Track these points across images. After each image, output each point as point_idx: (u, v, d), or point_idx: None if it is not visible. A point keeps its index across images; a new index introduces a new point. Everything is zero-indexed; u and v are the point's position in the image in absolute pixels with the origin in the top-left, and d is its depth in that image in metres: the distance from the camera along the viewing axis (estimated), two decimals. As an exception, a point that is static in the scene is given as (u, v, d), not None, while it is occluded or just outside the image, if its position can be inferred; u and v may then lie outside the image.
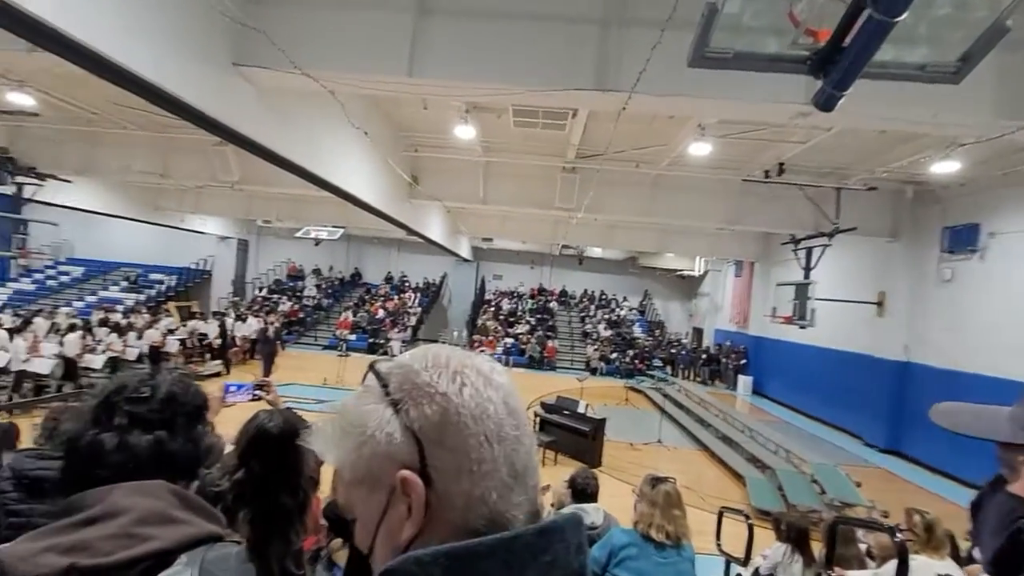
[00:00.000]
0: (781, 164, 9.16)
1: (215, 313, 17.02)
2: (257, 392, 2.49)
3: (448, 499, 0.50)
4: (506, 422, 0.53)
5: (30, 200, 11.58)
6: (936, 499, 8.22)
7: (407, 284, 24.11)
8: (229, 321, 15.43)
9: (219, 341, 13.48)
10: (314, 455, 2.03)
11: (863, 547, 3.50)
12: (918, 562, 2.11)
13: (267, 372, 11.95)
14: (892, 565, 2.20)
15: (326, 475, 4.26)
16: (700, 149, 7.78)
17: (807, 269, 11.01)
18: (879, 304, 11.27)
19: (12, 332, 9.57)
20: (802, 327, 10.74)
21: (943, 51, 2.68)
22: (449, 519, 0.50)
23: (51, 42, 3.17)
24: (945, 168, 7.85)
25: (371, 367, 0.58)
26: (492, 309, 22.81)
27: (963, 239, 9.37)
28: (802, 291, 10.73)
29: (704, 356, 19.56)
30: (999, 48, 2.57)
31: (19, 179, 10.97)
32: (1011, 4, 2.33)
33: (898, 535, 2.13)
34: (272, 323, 13.15)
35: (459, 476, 0.50)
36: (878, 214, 10.65)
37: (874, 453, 10.72)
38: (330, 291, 23.35)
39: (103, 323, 11.84)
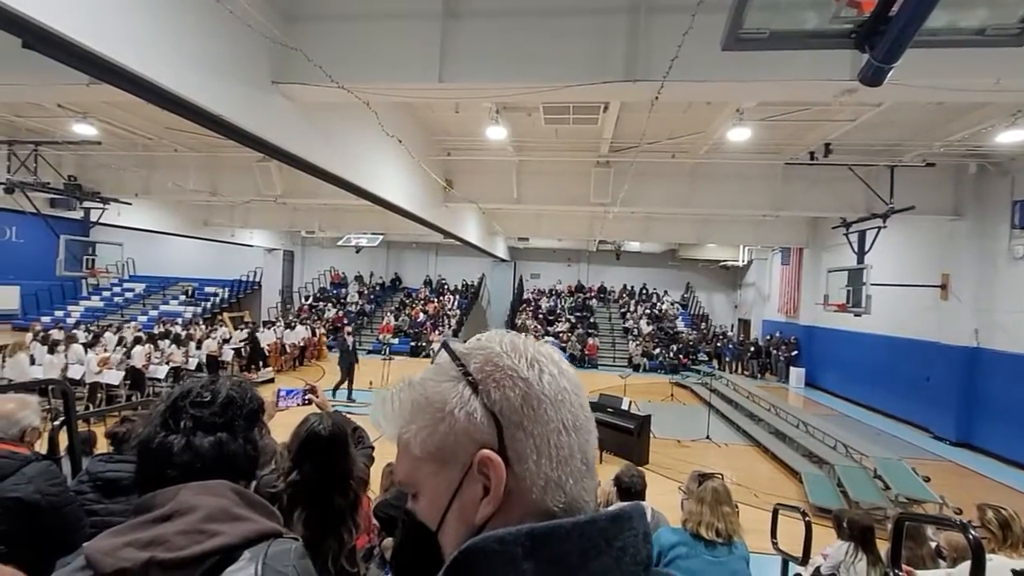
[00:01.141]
0: (827, 145, 8.74)
1: (265, 322, 17.78)
2: (308, 396, 2.59)
3: (526, 481, 0.51)
4: (579, 412, 0.55)
5: (96, 223, 12.44)
6: (1013, 494, 7.66)
7: (446, 287, 24.43)
8: (279, 328, 16.07)
9: (247, 349, 13.92)
10: (364, 456, 2.08)
11: (933, 545, 3.29)
12: (994, 562, 1.96)
13: (349, 386, 11.20)
14: (966, 565, 2.05)
15: (375, 475, 4.36)
16: (739, 134, 7.52)
17: (860, 253, 10.46)
18: (943, 287, 10.58)
19: (85, 347, 10.29)
20: (857, 315, 10.21)
21: (1004, 11, 2.48)
22: (527, 501, 0.51)
23: (107, 73, 3.38)
24: (1012, 137, 7.30)
25: (445, 345, 0.59)
26: (531, 308, 22.80)
27: (1035, 213, 8.69)
28: (856, 276, 10.20)
29: (752, 348, 18.90)
30: (1069, 2, 2.36)
31: (86, 204, 11.80)
32: (1081, -46, 2.14)
33: (972, 532, 1.99)
34: (349, 333, 12.64)
35: (539, 459, 0.51)
36: (938, 191, 10.01)
37: (943, 446, 10.07)
38: (372, 297, 23.94)
39: (165, 335, 12.56)
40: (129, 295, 22.04)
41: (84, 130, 8.79)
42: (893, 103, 6.46)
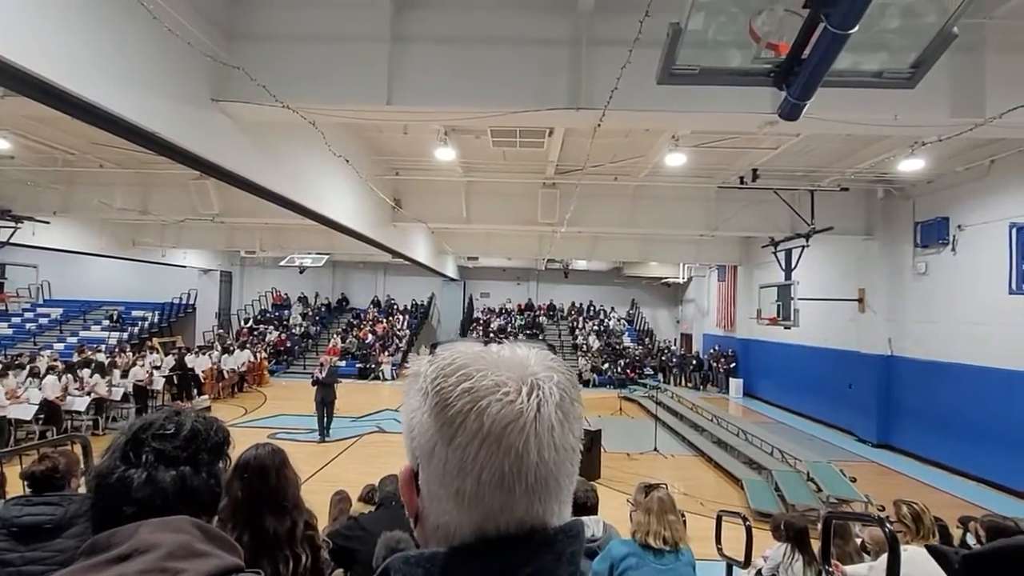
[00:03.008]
0: (755, 170, 9.41)
1: (200, 347, 16.77)
2: None
3: (429, 501, 0.53)
4: (496, 429, 0.51)
5: (6, 243, 11.39)
6: (929, 489, 8.33)
7: (395, 307, 24.02)
8: (215, 354, 15.20)
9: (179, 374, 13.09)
10: (297, 483, 2.03)
11: (858, 541, 3.55)
12: (909, 552, 2.16)
13: (325, 427, 10.08)
14: (885, 557, 2.25)
15: (324, 503, 4.18)
16: (676, 159, 7.97)
17: (787, 270, 11.25)
18: (860, 300, 11.52)
19: (-9, 379, 9.32)
20: (787, 327, 10.92)
21: (898, 58, 2.83)
22: (433, 518, 0.52)
23: (25, 86, 3.19)
24: (911, 166, 8.14)
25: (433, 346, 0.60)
26: (480, 327, 22.78)
27: (934, 233, 9.66)
28: (784, 292, 10.94)
29: (694, 361, 19.71)
30: (951, 51, 2.72)
31: (-6, 223, 10.83)
32: (957, 12, 2.48)
33: (888, 526, 2.18)
34: (329, 361, 10.71)
35: (445, 479, 0.51)
36: (852, 213, 10.96)
37: (867, 448, 10.84)
38: (317, 318, 23.15)
39: (85, 364, 11.58)
40: (44, 321, 20.18)
41: (-6, 144, 8.11)
42: (809, 133, 7.08)
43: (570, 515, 0.55)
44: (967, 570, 0.53)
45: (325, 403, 10.09)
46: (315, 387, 10.14)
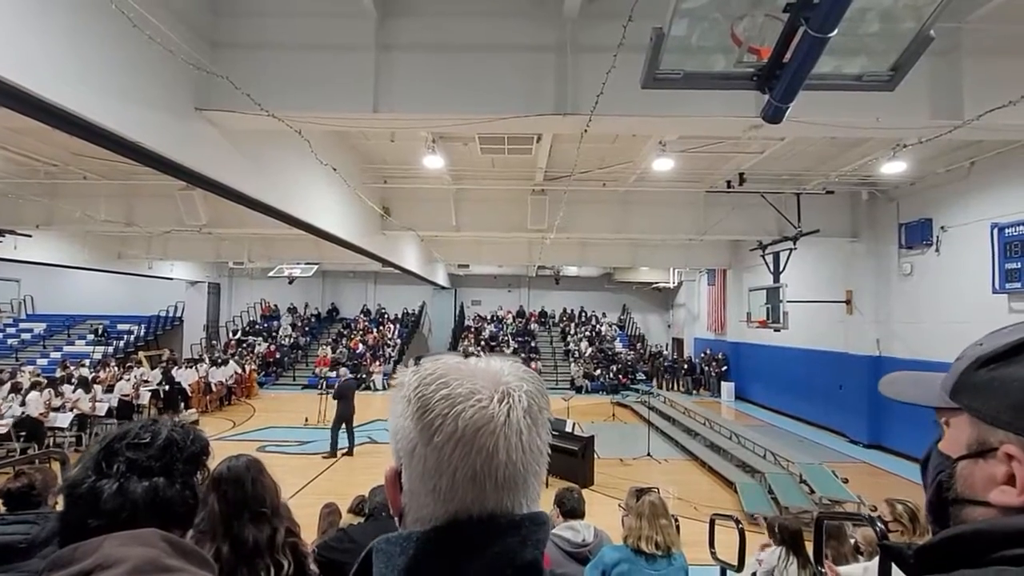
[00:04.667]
0: (741, 174, 9.51)
1: (187, 360, 16.54)
2: None
3: (409, 494, 0.59)
4: (467, 429, 0.56)
5: (-13, 258, 11.22)
6: (921, 489, 8.37)
7: (386, 316, 23.87)
8: (203, 366, 14.99)
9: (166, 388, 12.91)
10: (276, 490, 2.00)
11: (852, 542, 3.54)
12: (904, 551, 2.15)
13: (349, 442, 9.84)
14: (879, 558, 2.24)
15: (313, 516, 4.11)
16: (663, 164, 8.03)
17: (776, 273, 11.34)
18: (847, 302, 11.64)
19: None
20: (776, 330, 11.00)
21: (877, 61, 2.88)
22: (413, 507, 0.59)
23: (6, 97, 3.14)
24: (893, 168, 8.26)
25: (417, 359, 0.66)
26: (472, 335, 22.71)
27: (918, 234, 9.81)
28: (773, 295, 11.02)
29: (686, 366, 19.76)
30: (929, 54, 2.77)
31: (-26, 237, 10.64)
32: (933, 15, 2.53)
33: (879, 526, 2.18)
34: (350, 374, 10.70)
35: (424, 475, 0.57)
36: (838, 216, 11.09)
37: (858, 449, 10.91)
38: (307, 329, 22.95)
39: (68, 379, 11.36)
40: (26, 336, 19.82)
41: (-26, 156, 7.99)
42: (794, 137, 7.17)
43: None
44: (920, 562, 0.53)
45: (342, 419, 9.81)
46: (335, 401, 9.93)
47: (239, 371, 16.07)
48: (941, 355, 9.22)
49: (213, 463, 1.05)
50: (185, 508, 0.91)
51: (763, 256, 11.70)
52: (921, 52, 2.66)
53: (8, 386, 10.58)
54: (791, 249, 10.85)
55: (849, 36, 2.66)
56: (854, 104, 4.50)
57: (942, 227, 9.39)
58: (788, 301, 10.74)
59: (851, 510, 6.46)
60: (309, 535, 2.82)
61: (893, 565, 1.91)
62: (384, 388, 17.97)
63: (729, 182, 9.84)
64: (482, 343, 21.97)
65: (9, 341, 19.31)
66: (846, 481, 7.49)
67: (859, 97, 4.28)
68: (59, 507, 0.89)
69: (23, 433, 8.96)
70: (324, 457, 9.65)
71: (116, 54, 3.75)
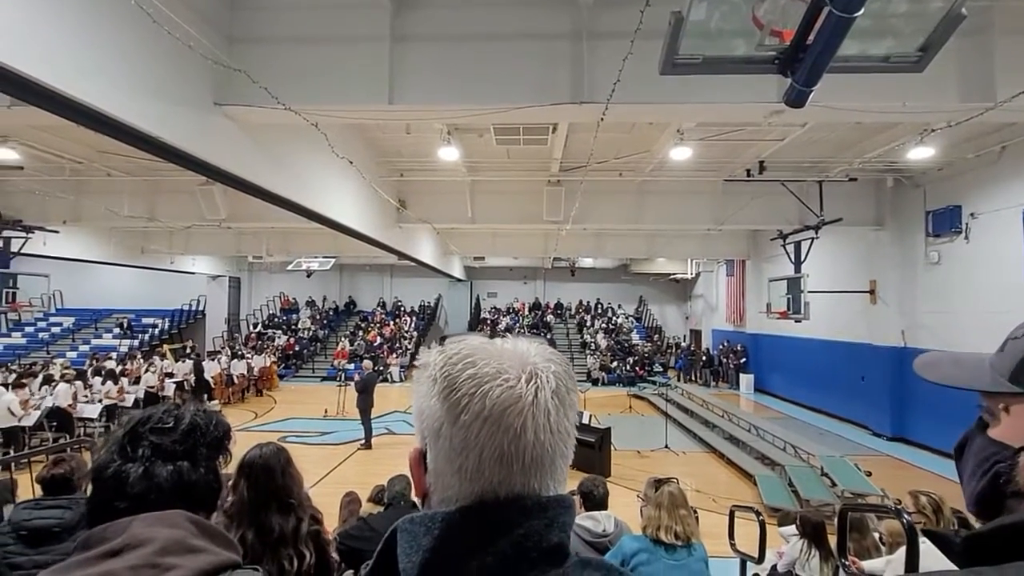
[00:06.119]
0: (761, 162, 9.32)
1: (210, 353, 16.90)
2: None
3: (436, 475, 0.58)
4: (495, 409, 0.56)
5: (18, 253, 11.52)
6: (945, 482, 8.19)
7: (402, 309, 24.06)
8: (224, 359, 15.31)
9: (192, 381, 13.24)
10: (301, 481, 2.03)
11: (876, 535, 3.48)
12: (929, 544, 2.11)
13: (367, 436, 9.93)
14: (904, 549, 2.20)
15: (334, 504, 4.18)
16: (681, 153, 7.90)
17: (797, 263, 11.12)
18: (871, 292, 11.37)
19: (5, 387, 9.44)
20: (797, 321, 10.80)
21: (904, 42, 2.77)
22: (439, 488, 0.58)
23: (28, 93, 3.20)
24: (921, 154, 8.02)
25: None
26: (488, 327, 22.77)
27: (946, 221, 9.51)
28: (794, 285, 10.81)
29: (704, 357, 19.57)
30: (958, 34, 2.66)
31: (6, 233, 10.95)
32: (963, -8, 2.43)
33: (906, 517, 2.13)
34: (373, 367, 10.81)
35: (450, 455, 0.57)
36: (862, 204, 10.81)
37: (881, 441, 10.70)
38: (325, 322, 23.25)
39: (96, 372, 11.70)
40: (56, 330, 20.43)
41: (4, 155, 8.20)
42: (816, 123, 6.98)
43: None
44: (968, 550, 0.50)
45: (362, 410, 10.01)
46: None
47: (261, 363, 16.38)
48: (973, 345, 8.92)
49: (235, 448, 1.06)
50: (208, 492, 0.93)
51: (784, 246, 11.47)
52: (952, 30, 2.55)
53: (40, 378, 10.94)
54: (813, 238, 10.61)
55: (875, 17, 2.57)
56: (880, 87, 4.36)
57: (972, 214, 9.09)
58: (809, 291, 10.51)
59: (874, 503, 6.36)
60: (330, 524, 2.87)
61: (920, 557, 1.87)
62: (401, 380, 18.16)
63: (749, 170, 9.65)
64: (498, 335, 21.99)
65: (40, 335, 19.94)
66: (869, 474, 7.37)
67: (885, 80, 4.15)
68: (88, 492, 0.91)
69: (54, 424, 9.27)
70: (361, 447, 9.82)
71: (136, 50, 3.81)
